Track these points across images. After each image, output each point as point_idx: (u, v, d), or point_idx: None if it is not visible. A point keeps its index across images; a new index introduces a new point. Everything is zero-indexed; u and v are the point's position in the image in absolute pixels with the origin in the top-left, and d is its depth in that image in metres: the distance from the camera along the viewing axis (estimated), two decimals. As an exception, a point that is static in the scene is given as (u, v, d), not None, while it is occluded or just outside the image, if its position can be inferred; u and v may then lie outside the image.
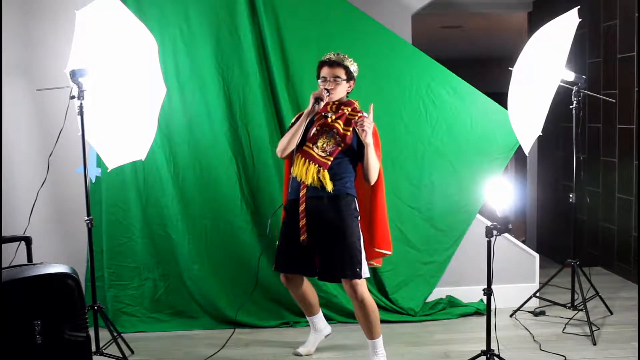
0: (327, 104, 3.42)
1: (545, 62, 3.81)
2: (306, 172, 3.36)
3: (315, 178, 3.34)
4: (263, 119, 4.12)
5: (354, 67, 3.46)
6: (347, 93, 3.49)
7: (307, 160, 3.38)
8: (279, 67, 4.11)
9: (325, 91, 3.38)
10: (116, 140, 3.61)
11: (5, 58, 4.05)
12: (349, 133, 3.38)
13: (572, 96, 4.00)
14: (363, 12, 4.17)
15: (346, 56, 3.45)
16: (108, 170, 3.74)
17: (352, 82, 3.47)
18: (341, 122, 3.39)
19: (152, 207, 4.17)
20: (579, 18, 3.73)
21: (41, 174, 3.91)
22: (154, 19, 4.01)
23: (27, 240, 3.42)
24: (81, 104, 3.42)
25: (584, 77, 4.01)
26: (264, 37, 4.09)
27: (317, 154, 3.37)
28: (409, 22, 4.60)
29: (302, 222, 3.39)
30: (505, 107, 4.09)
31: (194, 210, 4.18)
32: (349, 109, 3.44)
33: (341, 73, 3.40)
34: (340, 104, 3.45)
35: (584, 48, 5.68)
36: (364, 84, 4.17)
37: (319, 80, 3.45)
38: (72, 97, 3.43)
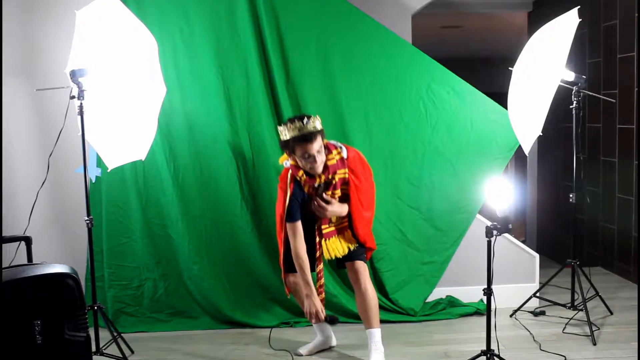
0: (314, 177, 3.42)
1: (545, 62, 3.81)
2: (338, 247, 3.55)
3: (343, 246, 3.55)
4: (263, 119, 4.12)
5: (319, 125, 3.32)
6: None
7: (332, 237, 3.53)
8: (279, 67, 4.11)
9: (318, 310, 3.41)
10: (116, 140, 3.62)
11: (5, 58, 4.06)
12: (346, 175, 3.44)
13: (572, 96, 4.00)
14: (363, 12, 4.17)
15: (309, 117, 3.29)
16: (108, 170, 3.74)
17: (323, 134, 3.36)
18: (339, 190, 3.46)
19: (152, 207, 4.17)
20: (579, 18, 3.72)
21: (41, 174, 3.92)
22: (154, 19, 4.01)
23: (27, 240, 3.43)
24: (81, 104, 3.42)
25: (584, 77, 4.00)
26: (264, 37, 4.09)
27: (335, 226, 3.54)
28: (409, 22, 4.59)
29: (321, 296, 3.53)
30: (505, 107, 4.09)
31: (194, 210, 4.18)
32: (333, 173, 3.40)
33: (319, 140, 3.31)
34: (324, 171, 3.40)
35: (584, 48, 5.68)
36: (364, 84, 4.19)
37: (298, 156, 3.33)
38: (72, 97, 3.43)
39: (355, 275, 3.49)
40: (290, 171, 3.42)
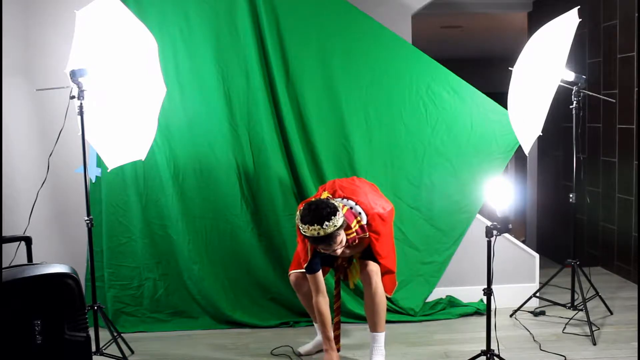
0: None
1: (545, 62, 3.81)
2: (354, 273, 3.63)
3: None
4: (263, 119, 4.12)
5: (339, 221, 3.16)
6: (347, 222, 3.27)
7: (350, 272, 3.64)
8: (279, 67, 4.11)
9: None
10: (116, 140, 3.61)
11: (5, 58, 4.05)
12: (366, 235, 3.40)
13: (572, 96, 4.00)
14: (363, 12, 4.17)
15: (329, 217, 3.11)
16: (108, 170, 3.74)
17: (342, 227, 3.21)
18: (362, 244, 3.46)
19: (152, 207, 4.17)
20: (579, 18, 3.73)
21: (41, 174, 3.92)
22: (154, 19, 4.01)
23: (27, 240, 3.42)
24: (81, 104, 3.42)
25: (584, 77, 4.00)
26: (264, 37, 4.09)
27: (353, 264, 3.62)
28: (409, 22, 4.60)
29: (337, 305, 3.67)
30: (505, 107, 4.09)
31: (194, 210, 4.18)
32: (353, 242, 3.37)
33: (340, 235, 3.21)
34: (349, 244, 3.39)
35: (584, 48, 5.68)
36: (364, 84, 4.19)
37: (319, 248, 3.28)
38: (72, 97, 3.43)
39: (368, 277, 3.44)
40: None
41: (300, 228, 3.19)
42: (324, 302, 3.43)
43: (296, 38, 4.12)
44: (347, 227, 3.28)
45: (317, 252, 3.38)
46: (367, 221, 3.36)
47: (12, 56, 4.11)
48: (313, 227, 3.12)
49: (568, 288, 4.36)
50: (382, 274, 3.50)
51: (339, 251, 3.27)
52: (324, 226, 3.11)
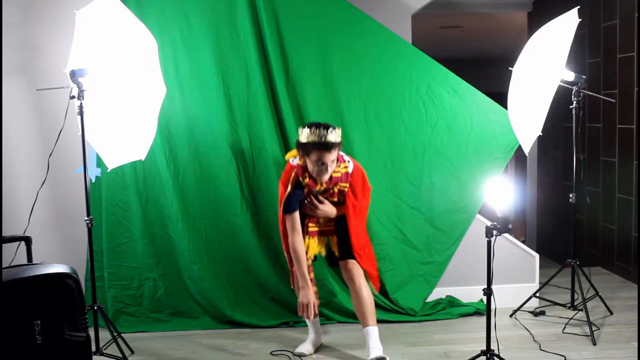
0: (316, 182, 3.45)
1: (545, 62, 3.81)
2: (314, 247, 3.61)
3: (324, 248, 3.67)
4: (263, 119, 4.12)
5: (339, 138, 3.38)
6: None
7: (314, 237, 3.61)
8: (279, 67, 4.11)
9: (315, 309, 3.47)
10: (116, 140, 3.62)
11: (5, 58, 4.05)
12: (346, 188, 3.50)
13: (572, 96, 4.00)
14: (363, 12, 4.17)
15: (333, 128, 3.35)
16: (108, 170, 3.74)
17: (339, 147, 3.42)
18: (335, 199, 3.53)
19: (152, 207, 4.17)
20: (579, 18, 3.73)
21: (41, 174, 3.92)
22: (154, 19, 4.01)
23: (27, 240, 3.42)
24: (81, 104, 3.42)
25: (584, 77, 4.00)
26: (264, 37, 4.09)
27: (322, 227, 3.62)
28: (409, 22, 4.59)
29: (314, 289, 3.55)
30: (505, 107, 4.09)
31: (194, 210, 4.18)
32: (334, 185, 3.46)
33: (335, 153, 3.37)
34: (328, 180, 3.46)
35: (584, 48, 5.68)
36: (364, 84, 4.19)
37: (312, 159, 3.35)
38: (72, 97, 3.44)
39: (349, 274, 3.52)
40: (295, 170, 3.45)
41: (303, 135, 3.35)
42: (299, 241, 3.47)
43: (296, 38, 4.12)
44: (337, 164, 3.43)
45: (298, 186, 3.44)
46: (352, 171, 3.49)
47: (12, 56, 4.11)
48: (318, 130, 3.31)
49: (568, 288, 4.36)
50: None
51: (330, 169, 3.36)
52: (329, 131, 3.31)
